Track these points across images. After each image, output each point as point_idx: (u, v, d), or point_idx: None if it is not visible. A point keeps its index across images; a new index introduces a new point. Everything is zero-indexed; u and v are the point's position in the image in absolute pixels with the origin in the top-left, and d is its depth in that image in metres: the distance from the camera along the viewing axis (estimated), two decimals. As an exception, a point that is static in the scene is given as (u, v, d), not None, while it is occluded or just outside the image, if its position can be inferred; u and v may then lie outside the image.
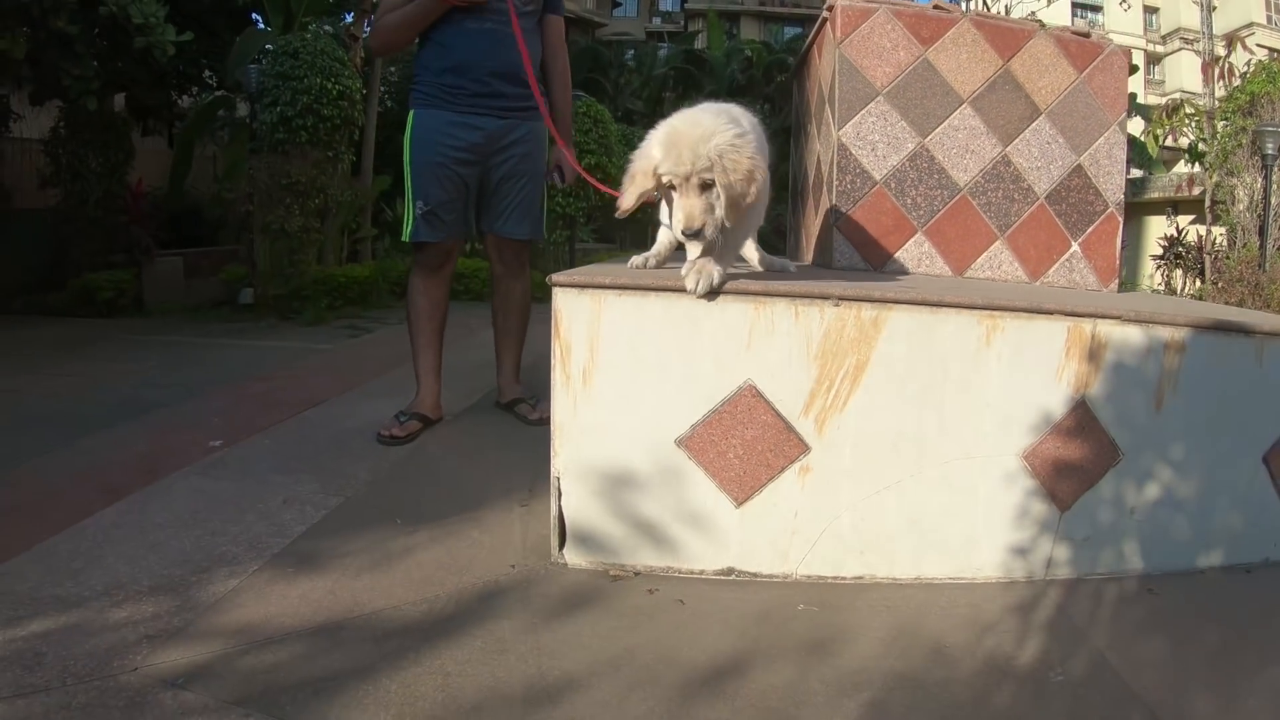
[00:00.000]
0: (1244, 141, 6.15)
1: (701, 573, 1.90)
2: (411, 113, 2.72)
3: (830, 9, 2.53)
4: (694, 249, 1.84)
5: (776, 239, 4.09)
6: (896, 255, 2.51)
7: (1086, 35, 2.57)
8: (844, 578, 1.91)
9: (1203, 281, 7.22)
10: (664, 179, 1.72)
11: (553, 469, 1.90)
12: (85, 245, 6.86)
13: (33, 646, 1.54)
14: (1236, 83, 6.84)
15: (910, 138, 2.49)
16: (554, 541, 1.93)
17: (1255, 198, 6.25)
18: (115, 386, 3.87)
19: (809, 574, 1.90)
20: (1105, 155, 2.58)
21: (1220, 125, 6.74)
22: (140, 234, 7.05)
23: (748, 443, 1.85)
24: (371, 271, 6.87)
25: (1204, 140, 7.75)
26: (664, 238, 2.03)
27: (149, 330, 5.80)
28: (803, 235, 2.92)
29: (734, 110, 1.84)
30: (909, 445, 1.86)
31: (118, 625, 1.63)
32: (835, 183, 2.47)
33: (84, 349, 5.16)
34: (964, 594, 1.91)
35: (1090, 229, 2.58)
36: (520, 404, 2.91)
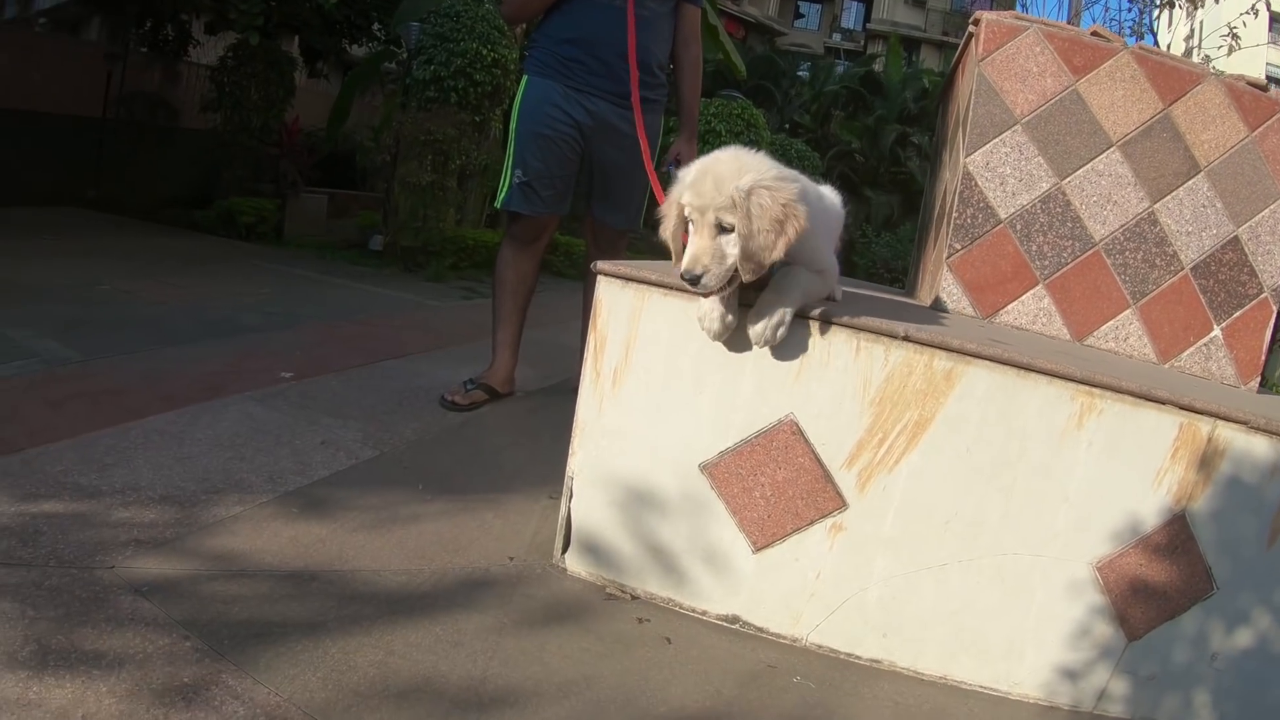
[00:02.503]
0: None
1: (705, 613, 1.66)
2: (525, 78, 2.57)
3: (975, 23, 2.17)
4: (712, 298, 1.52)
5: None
6: (1010, 306, 2.14)
7: (1265, 89, 2.10)
8: (858, 657, 1.62)
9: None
10: (685, 211, 1.45)
11: (568, 468, 1.69)
12: (236, 170, 7.13)
13: (35, 524, 1.56)
14: None
15: (1046, 176, 2.11)
16: (558, 543, 1.74)
17: None
18: (221, 305, 3.95)
19: (820, 644, 1.62)
20: (1268, 231, 2.10)
21: None
22: (289, 167, 7.28)
23: (778, 484, 1.58)
24: (500, 238, 6.71)
25: None
26: None
27: (277, 259, 5.97)
28: (922, 272, 2.58)
29: (803, 176, 1.56)
30: (963, 526, 1.54)
31: (116, 524, 1.62)
32: (954, 214, 2.12)
33: (210, 265, 5.35)
34: (991, 708, 1.58)
35: (1238, 313, 2.12)
36: None
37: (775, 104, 13.50)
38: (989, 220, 2.13)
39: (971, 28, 2.22)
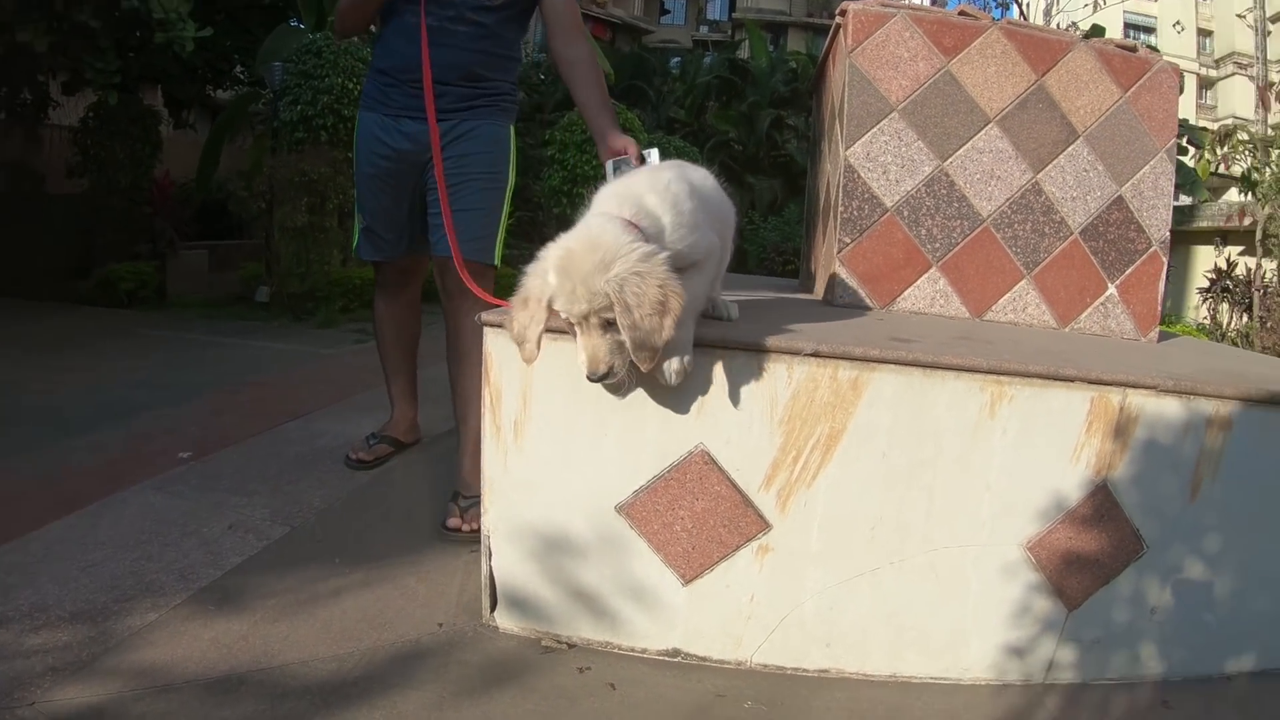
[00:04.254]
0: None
1: (644, 651, 1.55)
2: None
3: (843, 13, 2.10)
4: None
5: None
6: (906, 293, 2.08)
7: (1134, 49, 2.08)
8: (806, 670, 1.54)
9: (1249, 318, 6.46)
10: (562, 314, 1.31)
11: (482, 525, 1.57)
12: (111, 235, 6.59)
13: (-57, 666, 1.39)
14: None
15: (928, 160, 2.06)
16: (485, 602, 1.61)
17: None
18: (113, 385, 3.67)
19: (765, 663, 1.54)
20: (1150, 186, 2.09)
21: (1276, 154, 5.95)
22: (164, 226, 6.75)
23: (698, 515, 1.48)
24: None
25: (1257, 169, 6.88)
26: None
27: (162, 325, 5.56)
28: (814, 265, 2.50)
29: (672, 182, 1.41)
30: (889, 530, 1.47)
31: (30, 652, 1.49)
32: (840, 208, 2.05)
33: (96, 342, 4.96)
34: (945, 697, 1.53)
35: (1130, 270, 2.10)
36: (455, 499, 2.08)
37: (650, 102, 13.24)
38: (875, 210, 2.07)
39: (839, 18, 2.15)
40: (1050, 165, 2.07)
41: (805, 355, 1.40)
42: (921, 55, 2.04)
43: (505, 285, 1.57)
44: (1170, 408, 1.50)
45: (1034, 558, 1.51)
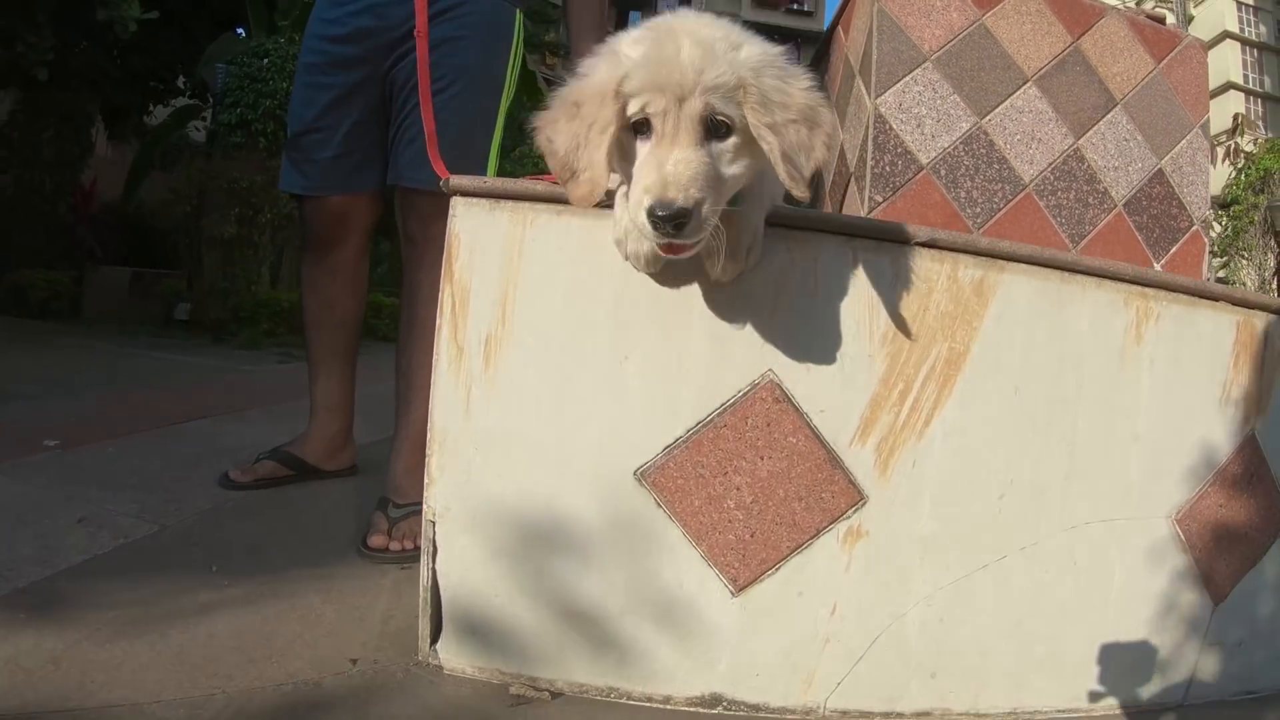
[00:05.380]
0: (1255, 219, 5.61)
1: (667, 701, 1.05)
2: None
3: (867, -42, 1.86)
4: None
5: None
6: (941, 265, 1.75)
7: (1162, 20, 1.94)
8: (901, 714, 1.06)
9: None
10: (633, 107, 0.83)
11: (425, 508, 1.04)
12: (28, 239, 5.87)
13: None
14: (1241, 163, 6.40)
15: (965, 116, 1.79)
16: (423, 628, 1.07)
17: (1266, 276, 5.67)
18: None
19: (845, 708, 1.06)
20: (1189, 162, 1.90)
21: (1233, 208, 6.20)
22: (86, 236, 6.05)
23: (761, 484, 1.02)
24: None
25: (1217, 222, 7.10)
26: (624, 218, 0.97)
27: (72, 335, 4.84)
28: None
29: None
30: (1021, 498, 1.05)
31: None
32: (871, 163, 1.73)
33: None
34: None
35: (1174, 248, 1.87)
36: (384, 507, 1.50)
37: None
38: (910, 168, 1.76)
39: (861, -32, 1.91)
40: (1091, 131, 1.84)
41: (917, 245, 1.00)
42: (954, 6, 1.80)
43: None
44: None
45: (1183, 533, 1.13)
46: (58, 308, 5.48)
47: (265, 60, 5.43)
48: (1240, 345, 1.14)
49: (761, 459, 1.02)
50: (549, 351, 1.00)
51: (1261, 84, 22.76)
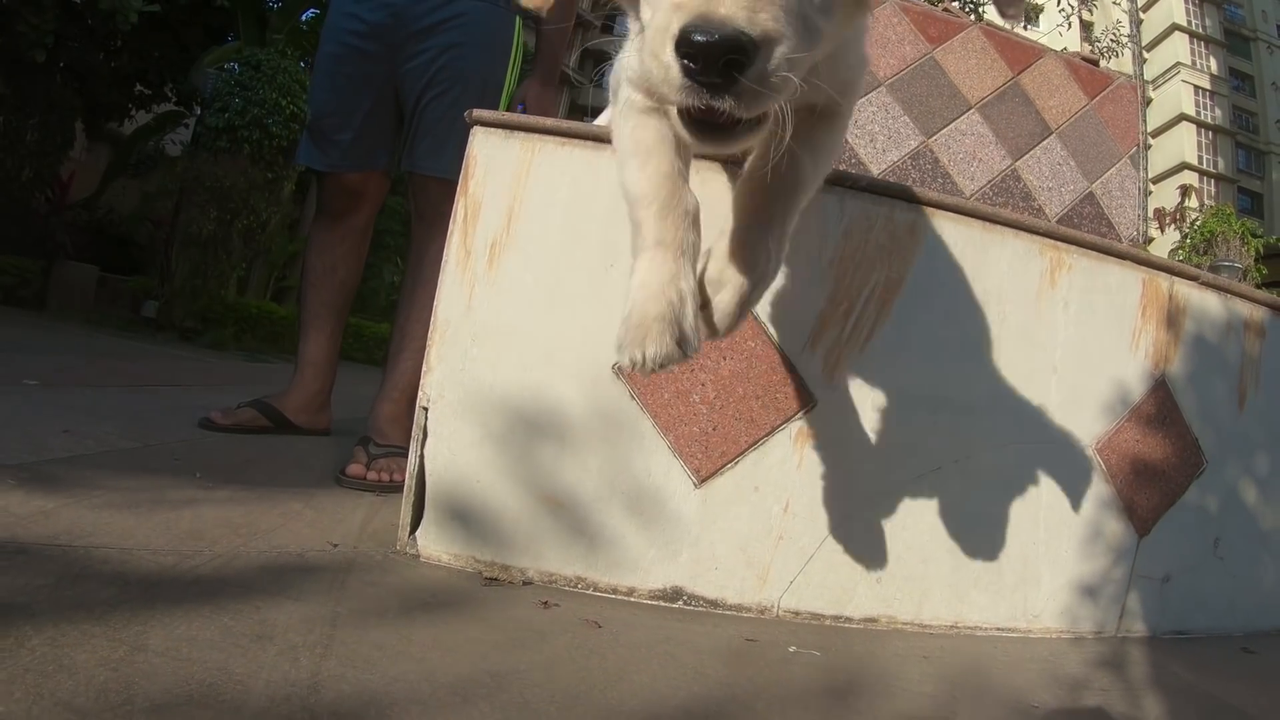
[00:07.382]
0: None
1: (631, 593, 1.13)
2: None
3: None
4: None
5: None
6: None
7: (1095, 63, 2.18)
8: (850, 619, 1.16)
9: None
10: None
11: (420, 395, 1.15)
12: (1, 225, 5.86)
13: None
14: (1186, 228, 6.78)
15: (913, 135, 1.99)
16: (405, 516, 1.16)
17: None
18: None
19: (797, 609, 1.14)
20: (1118, 187, 2.11)
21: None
22: (58, 227, 6.02)
23: (723, 382, 1.14)
24: (290, 314, 5.66)
25: None
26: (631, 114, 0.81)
27: (35, 322, 4.76)
28: None
29: None
30: (953, 414, 1.17)
31: None
32: (828, 171, 1.93)
33: None
34: (1024, 649, 1.16)
35: (1106, 264, 2.05)
36: (364, 444, 1.57)
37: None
38: (869, 180, 1.96)
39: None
40: (1027, 155, 2.05)
41: (860, 189, 1.15)
42: (908, 40, 2.04)
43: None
44: (1212, 304, 1.36)
45: (1104, 462, 1.25)
46: (24, 295, 5.42)
47: (257, 70, 5.62)
48: (1147, 299, 1.30)
49: (724, 359, 1.14)
50: (545, 257, 1.13)
51: (1215, 164, 24.03)
